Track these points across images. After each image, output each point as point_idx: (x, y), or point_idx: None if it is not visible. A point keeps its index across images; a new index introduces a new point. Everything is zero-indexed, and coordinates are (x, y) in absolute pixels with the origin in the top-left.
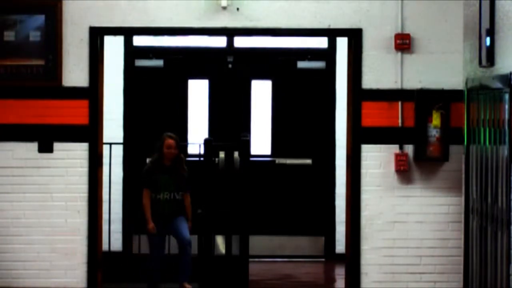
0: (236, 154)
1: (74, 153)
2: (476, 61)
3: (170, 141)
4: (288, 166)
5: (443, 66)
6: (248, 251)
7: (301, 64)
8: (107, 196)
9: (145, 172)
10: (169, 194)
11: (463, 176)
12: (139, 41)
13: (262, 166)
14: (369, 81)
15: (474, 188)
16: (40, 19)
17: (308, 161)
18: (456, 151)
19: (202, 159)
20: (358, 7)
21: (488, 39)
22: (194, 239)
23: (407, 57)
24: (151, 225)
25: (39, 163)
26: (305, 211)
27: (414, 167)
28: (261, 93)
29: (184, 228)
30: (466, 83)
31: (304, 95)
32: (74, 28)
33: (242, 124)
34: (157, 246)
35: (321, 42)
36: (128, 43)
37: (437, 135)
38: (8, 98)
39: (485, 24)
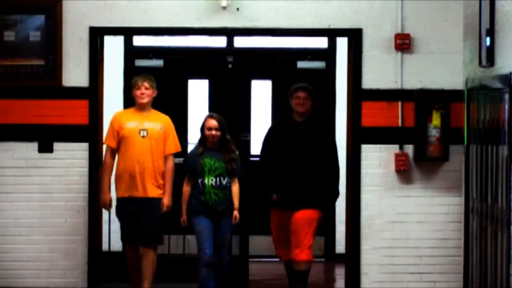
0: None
1: (74, 153)
2: (476, 61)
3: (211, 122)
4: None
5: (443, 66)
6: (248, 251)
7: (301, 64)
8: None
9: (188, 156)
10: (214, 179)
11: (463, 176)
12: (139, 41)
13: None
14: (369, 81)
15: (474, 188)
16: (40, 19)
17: None
18: (456, 151)
19: None
20: (358, 7)
21: (488, 39)
22: (194, 240)
23: (407, 57)
24: (183, 217)
25: (39, 163)
26: None
27: (414, 167)
28: (261, 93)
29: (225, 240)
30: (466, 83)
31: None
32: (74, 28)
33: (242, 124)
34: (203, 243)
35: (321, 42)
36: (128, 43)
37: (437, 135)
38: (8, 98)
39: (485, 24)
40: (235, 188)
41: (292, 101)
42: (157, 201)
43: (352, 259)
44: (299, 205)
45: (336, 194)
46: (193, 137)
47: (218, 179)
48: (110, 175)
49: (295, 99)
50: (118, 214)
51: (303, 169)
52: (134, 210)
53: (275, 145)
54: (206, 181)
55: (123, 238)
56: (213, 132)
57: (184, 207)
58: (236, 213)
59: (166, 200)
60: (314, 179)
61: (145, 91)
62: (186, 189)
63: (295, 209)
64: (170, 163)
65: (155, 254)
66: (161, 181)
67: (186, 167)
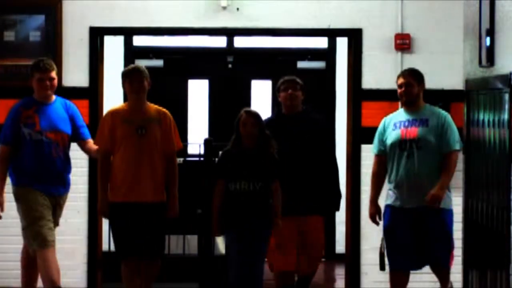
0: None
1: (74, 153)
2: (476, 61)
3: (246, 117)
4: None
5: (443, 66)
6: None
7: (301, 64)
8: None
9: (221, 157)
10: (247, 184)
11: (463, 176)
12: (139, 41)
13: None
14: (369, 81)
15: (474, 188)
16: (40, 19)
17: None
18: None
19: (202, 159)
20: (358, 7)
21: (488, 39)
22: (194, 239)
23: (407, 57)
24: (215, 228)
25: None
26: None
27: None
28: (261, 93)
29: (258, 256)
30: (466, 83)
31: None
32: (74, 28)
33: None
34: (240, 261)
35: (321, 42)
36: (128, 43)
37: None
38: (8, 98)
39: (485, 24)
40: (277, 193)
41: (280, 95)
42: (160, 205)
43: (352, 259)
44: (309, 211)
45: (339, 196)
46: (193, 137)
47: (251, 184)
48: (107, 180)
49: (283, 92)
50: (112, 223)
51: (299, 169)
52: (132, 218)
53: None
54: (237, 186)
55: (121, 251)
56: (248, 128)
57: (215, 216)
58: (278, 221)
59: (173, 205)
60: (313, 180)
61: (138, 85)
62: (218, 195)
63: (304, 215)
64: (174, 162)
65: (158, 265)
66: (163, 183)
67: (217, 169)
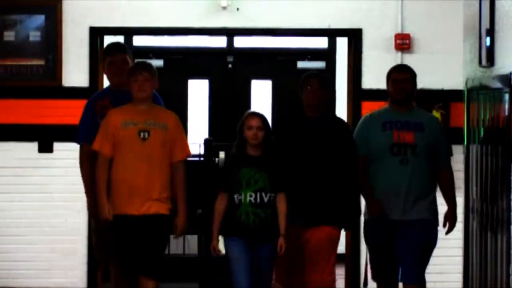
0: None
1: (74, 153)
2: (476, 61)
3: (252, 120)
4: None
5: (443, 66)
6: None
7: (301, 64)
8: None
9: (223, 166)
10: (253, 195)
11: (463, 176)
12: (139, 41)
13: None
14: (369, 81)
15: (474, 188)
16: (40, 19)
17: None
18: (456, 151)
19: (202, 159)
20: (358, 7)
21: (488, 39)
22: (194, 239)
23: (407, 57)
24: (214, 243)
25: (39, 163)
26: None
27: None
28: (261, 93)
29: (266, 270)
30: (466, 83)
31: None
32: (74, 28)
33: None
34: (242, 276)
35: (321, 42)
36: (128, 43)
37: None
38: (8, 98)
39: (485, 24)
40: (282, 207)
41: (303, 93)
42: (164, 219)
43: (352, 259)
44: (317, 221)
45: (358, 212)
46: (193, 137)
47: (258, 194)
48: (104, 187)
49: (306, 89)
50: (112, 237)
51: (316, 175)
52: (133, 232)
53: (283, 146)
54: (242, 197)
55: (121, 267)
56: (254, 131)
57: (215, 230)
58: (281, 240)
59: (180, 221)
60: (330, 187)
61: (145, 83)
62: (220, 207)
63: (310, 225)
64: (181, 172)
65: (157, 285)
66: (167, 194)
67: (219, 180)
